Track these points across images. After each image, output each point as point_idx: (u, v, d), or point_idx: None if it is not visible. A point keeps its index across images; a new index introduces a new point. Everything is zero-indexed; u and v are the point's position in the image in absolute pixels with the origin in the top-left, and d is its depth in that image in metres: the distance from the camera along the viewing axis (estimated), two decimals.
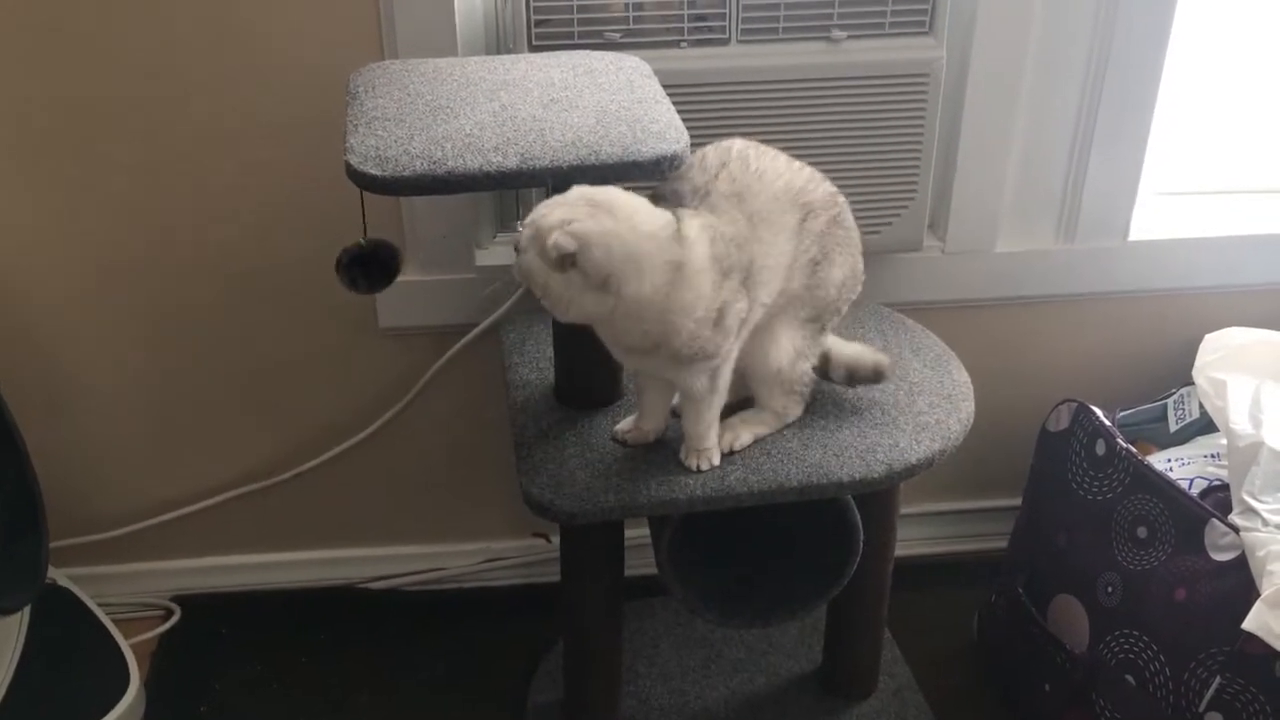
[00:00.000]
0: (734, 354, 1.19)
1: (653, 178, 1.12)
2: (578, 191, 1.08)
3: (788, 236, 1.18)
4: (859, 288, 1.27)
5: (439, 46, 1.40)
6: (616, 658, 1.40)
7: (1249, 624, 1.22)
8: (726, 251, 1.13)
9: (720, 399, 1.21)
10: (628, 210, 1.08)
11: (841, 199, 1.24)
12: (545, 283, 1.08)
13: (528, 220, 1.09)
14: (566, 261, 1.06)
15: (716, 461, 1.22)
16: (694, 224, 1.12)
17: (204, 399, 1.64)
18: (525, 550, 1.78)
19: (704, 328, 1.12)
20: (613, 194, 1.09)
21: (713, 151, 1.18)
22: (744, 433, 1.25)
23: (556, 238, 1.05)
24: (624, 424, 1.27)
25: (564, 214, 1.06)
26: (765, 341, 1.22)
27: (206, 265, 1.54)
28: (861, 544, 1.26)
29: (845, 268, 1.24)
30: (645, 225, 1.08)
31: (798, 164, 1.21)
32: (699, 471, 1.21)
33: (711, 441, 1.22)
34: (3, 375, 1.43)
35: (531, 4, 1.38)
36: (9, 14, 1.38)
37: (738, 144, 1.19)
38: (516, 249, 1.10)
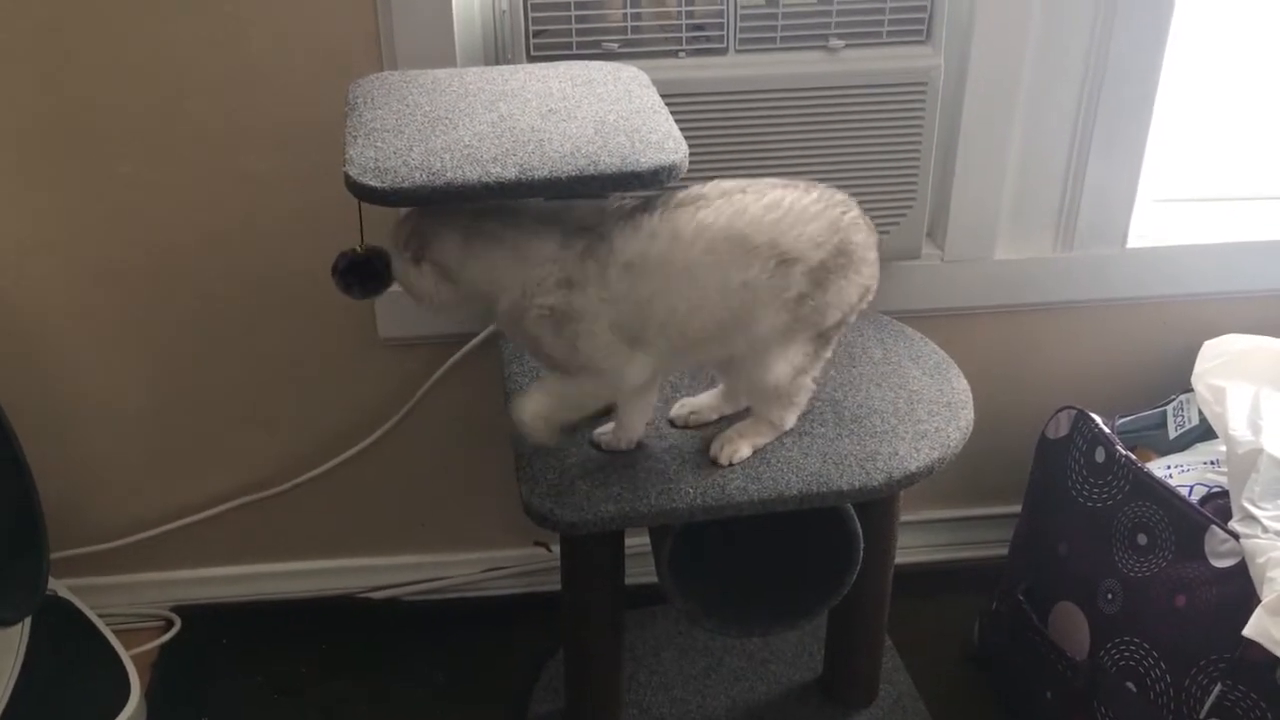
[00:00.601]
0: (623, 370, 1.18)
1: (651, 187, 1.12)
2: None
3: (724, 291, 1.14)
4: (870, 297, 1.23)
5: (437, 57, 1.40)
6: (617, 667, 1.40)
7: (1249, 630, 1.22)
8: (586, 265, 1.14)
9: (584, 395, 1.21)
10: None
11: (846, 221, 1.17)
12: (406, 281, 1.17)
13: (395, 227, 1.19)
14: (418, 255, 1.15)
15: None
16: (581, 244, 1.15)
17: (203, 409, 1.64)
18: (526, 559, 1.78)
19: (540, 323, 1.15)
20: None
21: (689, 191, 1.16)
22: (742, 445, 1.24)
23: (403, 234, 1.16)
24: (603, 429, 1.27)
25: (418, 216, 1.16)
26: (756, 363, 1.20)
27: (205, 276, 1.54)
28: (862, 552, 1.26)
29: (853, 288, 1.20)
30: (493, 218, 1.15)
31: (785, 205, 1.15)
32: (520, 428, 1.21)
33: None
34: (2, 387, 1.43)
35: (530, 14, 1.38)
36: (12, 30, 1.38)
37: (722, 186, 1.16)
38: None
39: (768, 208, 1.15)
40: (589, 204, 1.18)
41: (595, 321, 1.15)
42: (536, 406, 1.21)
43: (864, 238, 1.20)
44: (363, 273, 1.19)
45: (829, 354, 1.25)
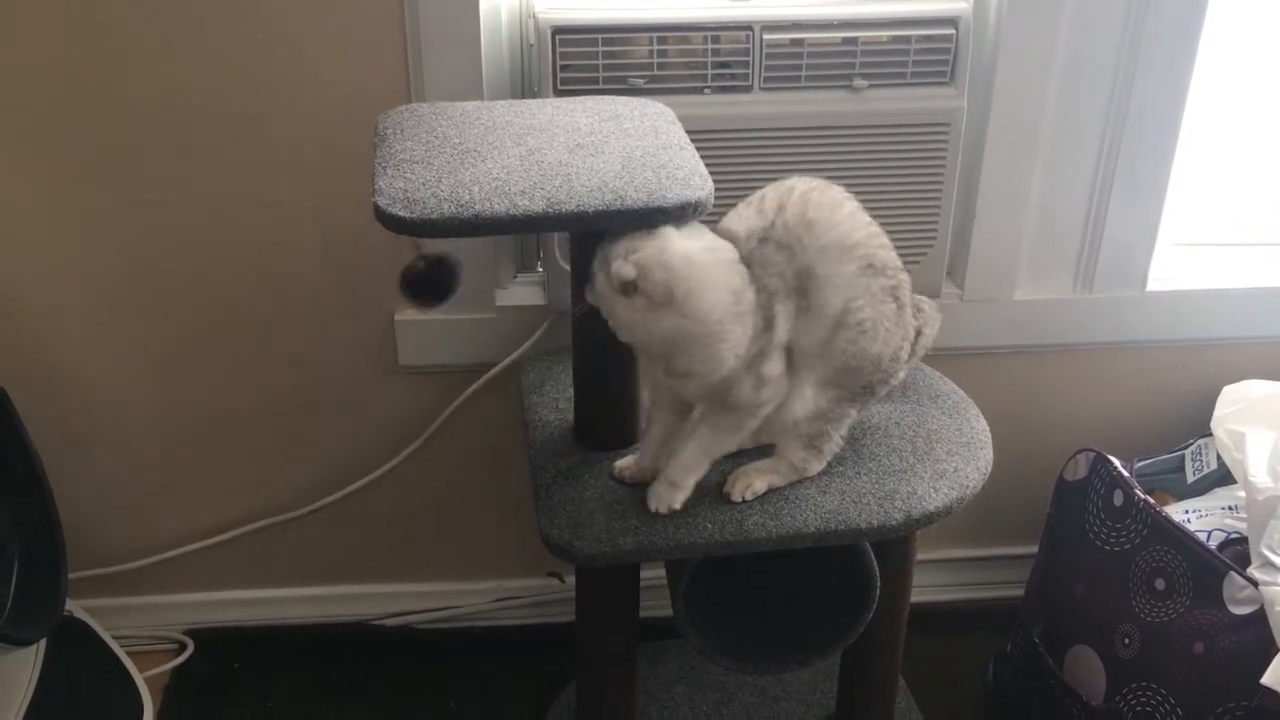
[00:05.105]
0: (764, 411, 1.18)
1: (677, 222, 1.13)
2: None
3: (833, 289, 1.15)
4: (900, 373, 1.24)
5: (465, 90, 1.41)
6: (630, 700, 1.39)
7: (1268, 679, 1.22)
8: (768, 303, 1.13)
9: (732, 443, 1.21)
10: (692, 234, 1.12)
11: (904, 276, 1.20)
12: (611, 308, 1.12)
13: (600, 248, 1.13)
14: (630, 288, 1.09)
15: (676, 506, 1.20)
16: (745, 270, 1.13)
17: (222, 433, 1.64)
18: (539, 590, 1.78)
19: (742, 369, 1.13)
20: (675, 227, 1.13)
21: (772, 192, 1.17)
22: (757, 481, 1.24)
23: (617, 266, 1.09)
24: (624, 461, 1.27)
25: (628, 242, 1.10)
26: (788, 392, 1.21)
27: (228, 302, 1.55)
28: (878, 592, 1.26)
29: (889, 345, 1.20)
30: (709, 245, 1.12)
31: (864, 218, 1.17)
32: (654, 512, 1.20)
33: (685, 481, 1.20)
34: (23, 410, 1.44)
35: (557, 49, 1.40)
36: (46, 59, 1.40)
37: (800, 185, 1.17)
38: (590, 278, 1.14)
39: (853, 211, 1.17)
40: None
41: (774, 357, 1.15)
42: (674, 476, 1.20)
43: (909, 301, 1.22)
44: (428, 283, 1.20)
45: (854, 416, 1.25)
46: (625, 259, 1.09)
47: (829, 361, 1.19)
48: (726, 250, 1.13)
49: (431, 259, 1.20)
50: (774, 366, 1.15)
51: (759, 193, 1.18)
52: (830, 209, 1.16)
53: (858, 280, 1.16)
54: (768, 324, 1.14)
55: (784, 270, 1.14)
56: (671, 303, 1.10)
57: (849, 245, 1.15)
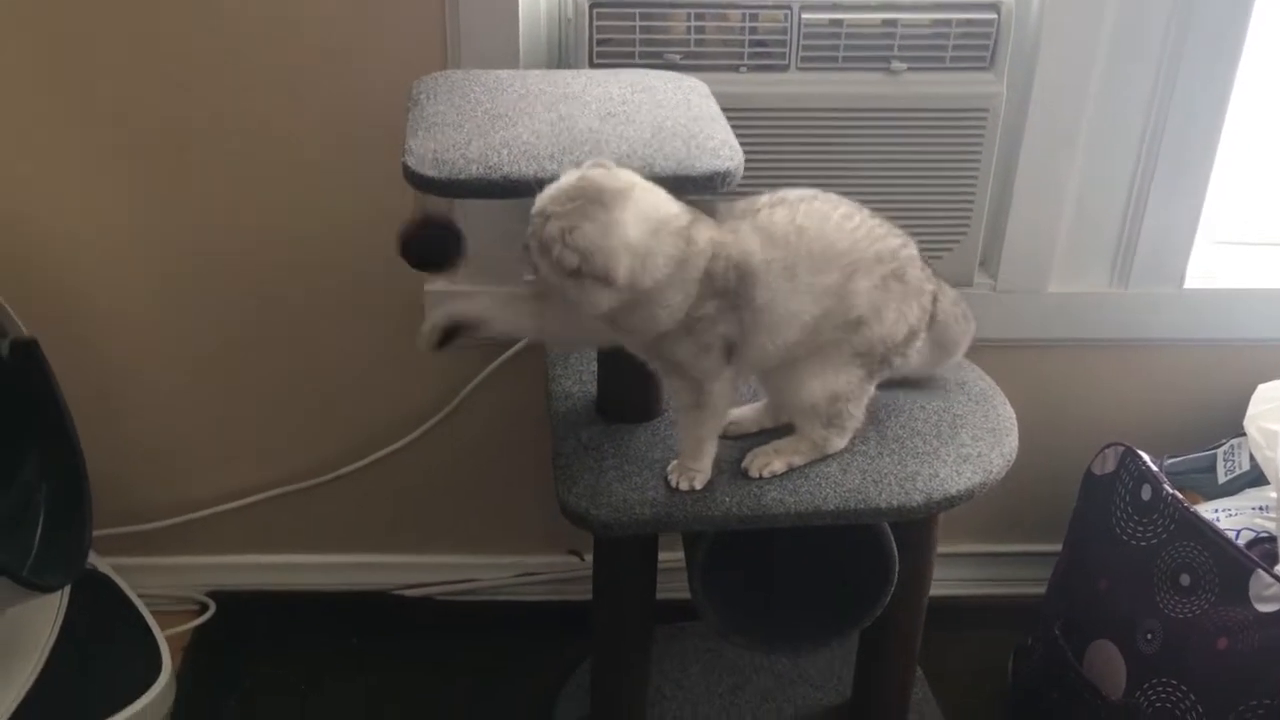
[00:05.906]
0: (724, 377, 1.17)
1: (705, 192, 1.13)
2: (583, 181, 1.07)
3: (814, 297, 1.15)
4: (917, 343, 1.23)
5: (502, 60, 1.42)
6: (644, 678, 1.39)
7: None
8: (724, 273, 1.12)
9: (713, 418, 1.20)
10: (632, 203, 1.07)
11: (906, 253, 1.19)
12: (561, 287, 1.09)
13: (531, 223, 1.08)
14: (576, 272, 1.06)
15: (699, 485, 1.20)
16: (706, 235, 1.11)
17: (250, 399, 1.66)
18: (558, 567, 1.78)
19: (681, 332, 1.13)
20: (613, 183, 1.07)
21: (767, 196, 1.17)
22: (776, 461, 1.23)
23: (558, 254, 1.05)
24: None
25: (562, 223, 1.05)
26: (794, 378, 1.20)
27: (261, 269, 1.57)
28: (896, 573, 1.25)
29: (901, 324, 1.20)
30: (648, 218, 1.08)
31: (857, 219, 1.17)
32: (678, 490, 1.19)
33: (698, 464, 1.20)
34: (58, 366, 1.46)
35: (595, 22, 1.40)
36: (108, 46, 1.43)
37: (794, 193, 1.17)
38: (526, 247, 1.10)
39: (846, 215, 1.17)
40: (700, 201, 1.15)
41: (723, 325, 1.14)
42: (690, 461, 1.20)
43: (919, 275, 1.21)
44: (432, 246, 1.18)
45: (872, 389, 1.24)
46: (564, 243, 1.05)
47: (838, 348, 1.19)
48: (669, 216, 1.09)
49: (433, 222, 1.18)
50: (713, 336, 1.14)
51: (761, 195, 1.18)
52: (820, 219, 1.15)
53: (843, 286, 1.16)
54: (714, 293, 1.12)
55: (751, 247, 1.13)
56: (614, 284, 1.07)
57: (833, 255, 1.15)
